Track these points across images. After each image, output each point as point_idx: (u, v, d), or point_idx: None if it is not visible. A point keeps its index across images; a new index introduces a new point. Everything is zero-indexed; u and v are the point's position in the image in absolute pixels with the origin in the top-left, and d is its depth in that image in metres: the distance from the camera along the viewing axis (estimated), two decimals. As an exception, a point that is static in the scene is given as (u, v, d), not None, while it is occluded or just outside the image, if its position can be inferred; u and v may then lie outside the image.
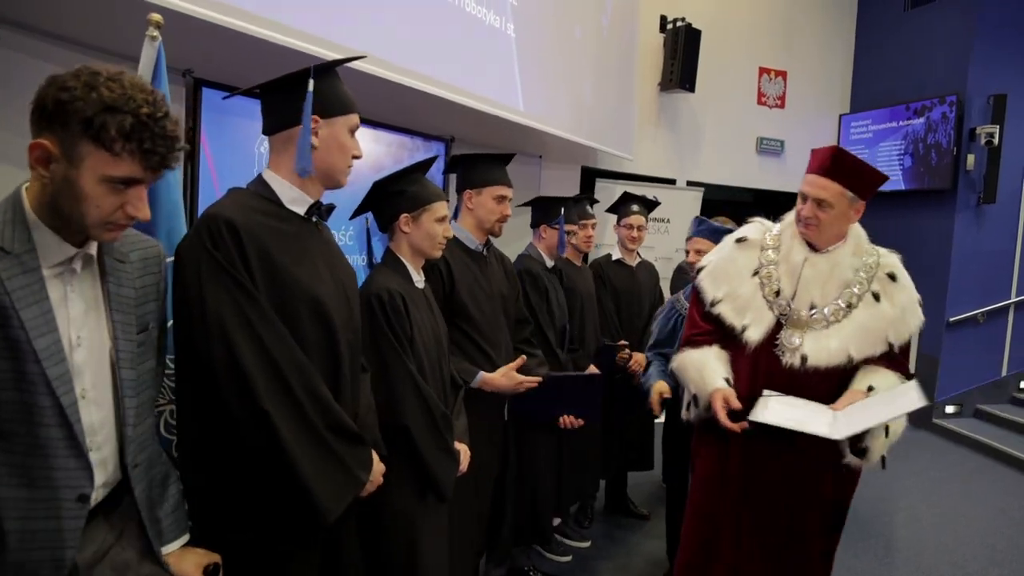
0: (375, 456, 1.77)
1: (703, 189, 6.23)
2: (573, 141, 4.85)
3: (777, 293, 2.18)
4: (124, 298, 1.28)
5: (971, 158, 6.09)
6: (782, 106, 7.08)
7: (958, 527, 4.17)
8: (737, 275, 2.26)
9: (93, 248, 1.23)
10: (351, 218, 2.32)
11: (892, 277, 2.15)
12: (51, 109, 1.11)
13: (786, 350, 2.13)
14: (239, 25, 2.38)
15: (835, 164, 2.09)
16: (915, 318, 2.15)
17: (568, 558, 3.50)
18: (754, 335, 2.18)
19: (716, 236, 3.03)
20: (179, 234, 1.93)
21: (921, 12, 6.60)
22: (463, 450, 2.21)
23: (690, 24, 6.01)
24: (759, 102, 6.99)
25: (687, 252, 3.21)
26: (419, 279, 2.23)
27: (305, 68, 1.64)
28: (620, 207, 3.89)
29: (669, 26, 6.16)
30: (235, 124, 2.92)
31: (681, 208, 5.83)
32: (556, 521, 3.57)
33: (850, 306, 2.13)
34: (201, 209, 2.73)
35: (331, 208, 1.81)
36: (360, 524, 1.95)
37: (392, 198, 2.17)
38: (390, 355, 2.03)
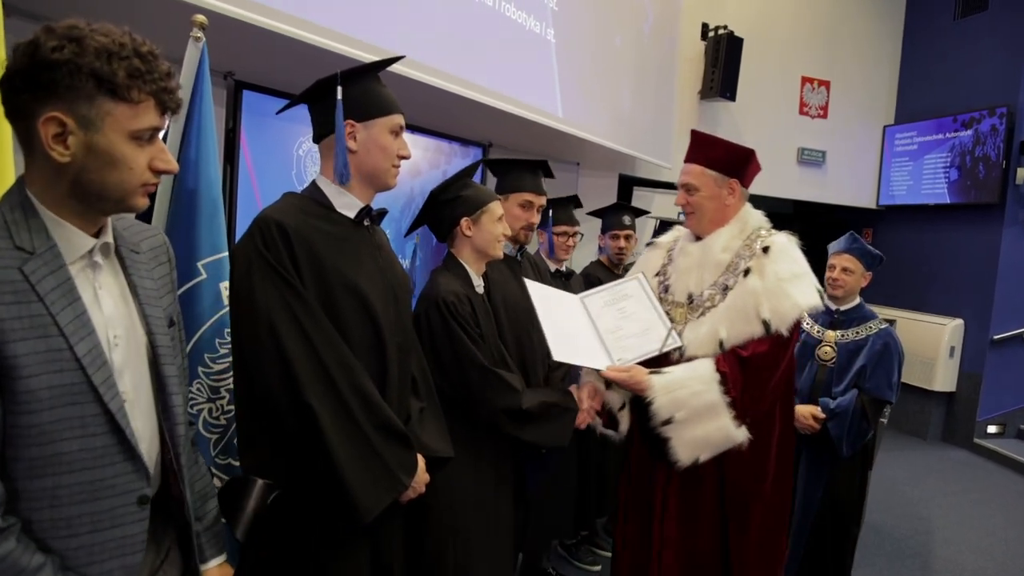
0: (421, 463, 1.75)
1: (742, 199, 6.12)
2: (611, 148, 4.83)
3: (666, 289, 2.16)
4: (149, 290, 1.20)
5: (1021, 171, 5.93)
6: (824, 116, 6.96)
7: (998, 551, 4.05)
8: None
9: (110, 236, 1.14)
10: (407, 234, 2.36)
11: (766, 250, 2.01)
12: (47, 76, 0.98)
13: None
14: (280, 28, 2.41)
15: (693, 146, 2.14)
16: (802, 294, 1.94)
17: (598, 567, 3.48)
18: None
19: (868, 259, 2.91)
20: (220, 233, 1.97)
21: (971, 21, 6.44)
22: None
23: (732, 32, 5.96)
24: (801, 112, 6.89)
25: (831, 267, 2.93)
26: (479, 283, 2.26)
27: (332, 74, 1.67)
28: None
29: (711, 34, 6.11)
30: (275, 127, 2.96)
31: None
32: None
33: (726, 289, 2.03)
34: (240, 210, 2.78)
35: (383, 213, 1.83)
36: (408, 516, 1.93)
37: (449, 205, 2.20)
38: (462, 349, 2.07)
